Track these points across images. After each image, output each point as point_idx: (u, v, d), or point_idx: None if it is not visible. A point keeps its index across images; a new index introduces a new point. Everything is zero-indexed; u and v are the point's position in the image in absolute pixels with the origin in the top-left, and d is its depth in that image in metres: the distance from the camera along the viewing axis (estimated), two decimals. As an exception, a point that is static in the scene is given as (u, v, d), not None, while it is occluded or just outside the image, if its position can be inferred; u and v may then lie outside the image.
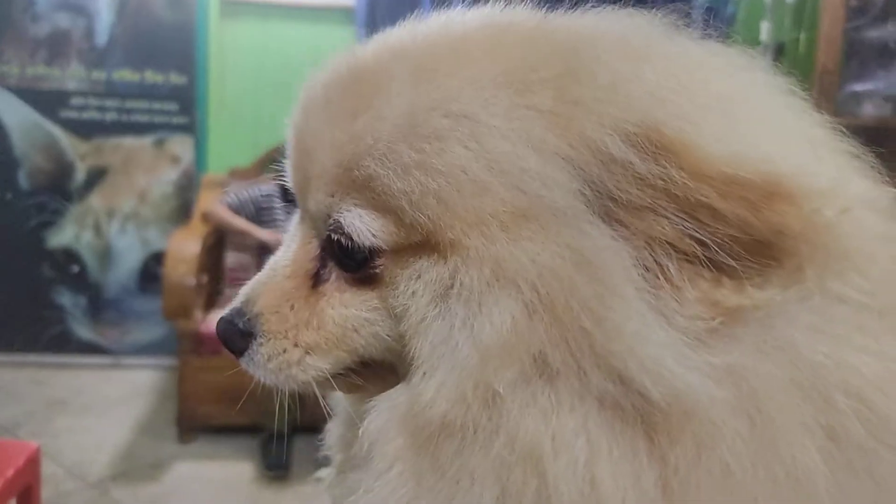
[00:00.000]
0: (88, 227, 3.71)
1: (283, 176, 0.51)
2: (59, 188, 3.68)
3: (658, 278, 0.37)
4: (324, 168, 0.45)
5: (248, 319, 0.49)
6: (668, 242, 0.37)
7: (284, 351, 0.48)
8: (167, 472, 2.75)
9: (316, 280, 0.48)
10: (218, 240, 3.36)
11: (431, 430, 0.40)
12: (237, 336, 0.49)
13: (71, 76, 3.62)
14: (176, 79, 3.67)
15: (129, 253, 3.75)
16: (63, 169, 3.67)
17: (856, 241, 0.39)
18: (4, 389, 3.37)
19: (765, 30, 2.61)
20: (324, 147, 0.45)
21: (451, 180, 0.40)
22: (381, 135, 0.42)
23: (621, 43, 0.43)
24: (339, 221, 0.44)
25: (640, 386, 0.36)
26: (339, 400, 0.55)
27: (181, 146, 3.72)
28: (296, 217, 0.51)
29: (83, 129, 3.65)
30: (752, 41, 2.71)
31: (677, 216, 0.37)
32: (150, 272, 3.72)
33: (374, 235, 0.43)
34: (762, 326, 0.37)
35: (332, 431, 0.56)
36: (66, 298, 3.75)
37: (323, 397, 0.50)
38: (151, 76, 3.66)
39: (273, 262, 0.51)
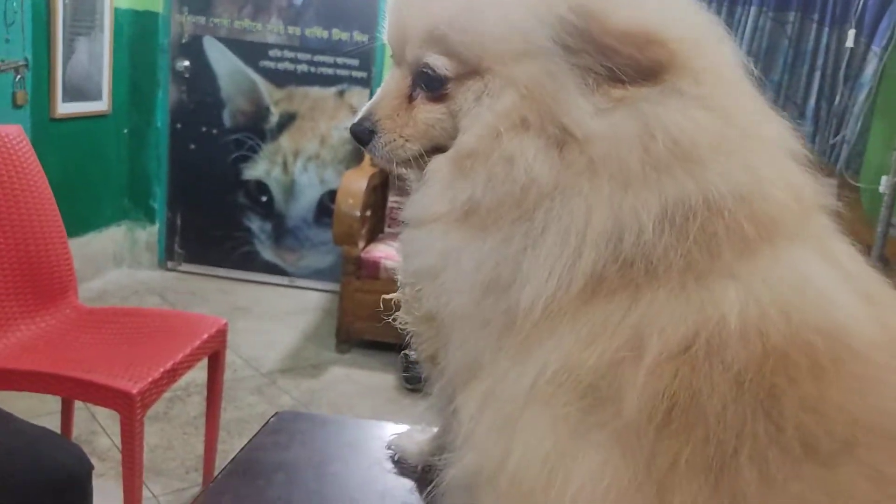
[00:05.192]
0: (278, 163, 4.22)
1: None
2: (256, 128, 4.20)
3: (587, 83, 0.64)
4: (416, 32, 0.73)
5: (372, 123, 0.77)
6: (590, 68, 0.64)
7: (394, 140, 0.76)
8: (324, 373, 3.20)
9: (410, 99, 0.76)
10: (383, 181, 3.75)
11: (461, 154, 0.69)
12: (366, 133, 0.77)
13: (271, 31, 4.09)
14: (358, 37, 4.05)
15: (309, 189, 4.23)
16: (260, 112, 4.18)
17: (698, 64, 0.65)
18: (198, 295, 3.99)
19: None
20: (415, 21, 0.73)
21: (487, 36, 0.68)
22: (448, 12, 0.70)
23: None
24: (427, 63, 0.72)
25: (569, 127, 0.64)
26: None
27: (358, 97, 4.11)
28: (393, 67, 0.79)
29: (278, 78, 4.13)
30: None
31: (596, 53, 0.63)
32: (325, 207, 4.18)
33: (446, 69, 0.71)
34: (633, 103, 0.64)
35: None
36: (254, 224, 4.31)
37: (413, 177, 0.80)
38: (338, 34, 4.06)
39: (381, 92, 0.79)
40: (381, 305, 0.86)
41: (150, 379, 1.87)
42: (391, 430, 1.01)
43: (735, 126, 0.65)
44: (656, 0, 0.68)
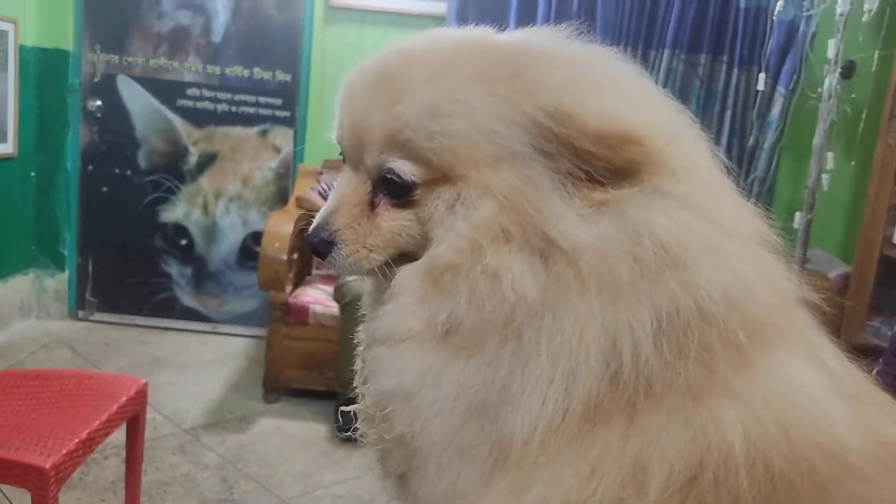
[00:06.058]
0: (197, 205, 4.08)
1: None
2: (174, 169, 4.05)
3: (566, 188, 0.62)
4: (376, 136, 0.68)
5: (330, 234, 0.71)
6: (569, 172, 0.62)
7: (357, 251, 0.71)
8: (252, 426, 3.06)
9: (371, 207, 0.71)
10: (309, 223, 3.65)
11: (437, 268, 0.65)
12: (324, 244, 0.72)
13: (188, 69, 3.98)
14: (281, 76, 3.98)
15: (232, 231, 4.10)
16: (178, 152, 4.04)
17: (675, 161, 0.63)
18: (113, 346, 3.78)
19: (832, 47, 2.68)
20: (374, 124, 0.68)
21: (457, 140, 0.64)
22: (412, 115, 0.65)
23: (542, 52, 0.67)
24: (391, 168, 0.67)
25: (556, 239, 0.61)
26: (370, 286, 0.78)
27: (282, 137, 4.04)
28: (345, 169, 0.73)
29: (197, 118, 4.01)
30: (822, 58, 2.78)
31: (572, 157, 0.61)
32: (249, 250, 4.06)
33: (413, 175, 0.66)
34: (616, 207, 0.61)
35: (365, 298, 0.80)
36: (173, 268, 4.14)
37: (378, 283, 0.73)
38: (259, 73, 3.98)
39: (337, 198, 0.73)
40: (339, 419, 0.80)
41: (64, 451, 1.74)
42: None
43: (716, 224, 0.63)
44: (631, 99, 0.66)
